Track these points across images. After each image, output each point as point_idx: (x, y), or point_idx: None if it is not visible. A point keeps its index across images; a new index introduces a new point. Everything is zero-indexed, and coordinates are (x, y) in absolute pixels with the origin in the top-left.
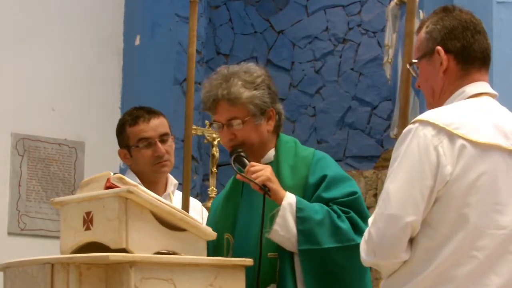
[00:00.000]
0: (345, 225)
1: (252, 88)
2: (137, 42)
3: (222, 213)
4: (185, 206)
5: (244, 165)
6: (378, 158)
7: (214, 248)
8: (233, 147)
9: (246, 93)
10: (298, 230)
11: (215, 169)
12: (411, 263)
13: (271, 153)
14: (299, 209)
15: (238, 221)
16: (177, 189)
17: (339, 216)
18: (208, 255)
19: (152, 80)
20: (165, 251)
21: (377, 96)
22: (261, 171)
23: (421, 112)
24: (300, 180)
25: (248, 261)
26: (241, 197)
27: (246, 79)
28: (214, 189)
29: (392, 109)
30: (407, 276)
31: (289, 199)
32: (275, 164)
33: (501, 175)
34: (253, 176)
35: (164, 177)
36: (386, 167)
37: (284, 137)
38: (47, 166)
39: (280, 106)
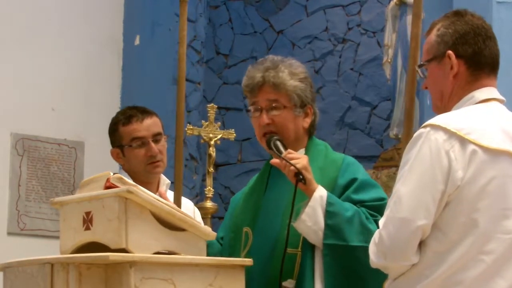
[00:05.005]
0: (373, 227)
1: (297, 79)
2: (137, 42)
3: (242, 207)
4: (177, 205)
5: (279, 151)
6: (378, 158)
7: (229, 243)
8: (269, 133)
9: (291, 82)
10: (326, 224)
11: (211, 169)
12: (419, 266)
13: (301, 152)
14: (329, 203)
15: (260, 215)
16: (170, 188)
17: (367, 218)
18: (224, 250)
19: (152, 80)
20: (165, 251)
21: (376, 96)
22: (298, 158)
23: (421, 112)
24: (329, 181)
25: (248, 261)
26: (265, 192)
27: (292, 70)
28: (211, 189)
29: (391, 109)
30: (415, 279)
31: (321, 191)
32: None
33: (510, 180)
34: (292, 161)
35: (156, 177)
36: (386, 167)
37: (316, 140)
38: (47, 166)
39: (316, 108)
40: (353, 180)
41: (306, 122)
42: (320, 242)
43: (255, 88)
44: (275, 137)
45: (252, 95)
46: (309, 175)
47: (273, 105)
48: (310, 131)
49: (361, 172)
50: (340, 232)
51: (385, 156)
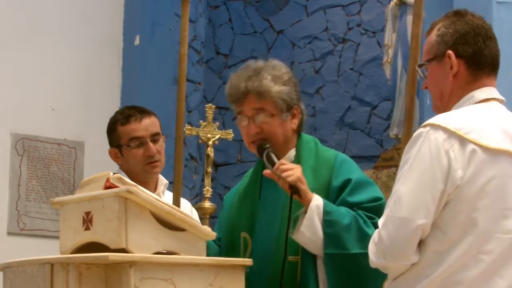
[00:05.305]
0: (371, 231)
1: (281, 83)
2: (137, 42)
3: (238, 210)
4: (177, 205)
5: (272, 162)
6: (378, 158)
7: (227, 248)
8: (259, 141)
9: (275, 87)
10: (325, 233)
11: (210, 169)
12: (419, 265)
13: (292, 153)
14: (326, 212)
15: (257, 220)
16: (169, 188)
17: (365, 222)
18: (221, 255)
19: (152, 80)
20: (165, 251)
21: (376, 96)
22: (291, 170)
23: (421, 112)
24: (323, 182)
25: (248, 261)
26: (260, 194)
27: (275, 74)
28: (210, 189)
29: (391, 109)
30: (415, 278)
31: (317, 201)
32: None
33: (509, 180)
34: (284, 174)
35: (154, 177)
36: (386, 167)
37: (305, 136)
38: (47, 166)
39: (303, 106)
40: (347, 181)
41: (294, 123)
42: (320, 251)
43: (240, 97)
44: (267, 146)
45: (237, 104)
46: (304, 186)
47: (259, 113)
48: (299, 130)
49: (355, 170)
50: (339, 240)
51: (385, 156)
